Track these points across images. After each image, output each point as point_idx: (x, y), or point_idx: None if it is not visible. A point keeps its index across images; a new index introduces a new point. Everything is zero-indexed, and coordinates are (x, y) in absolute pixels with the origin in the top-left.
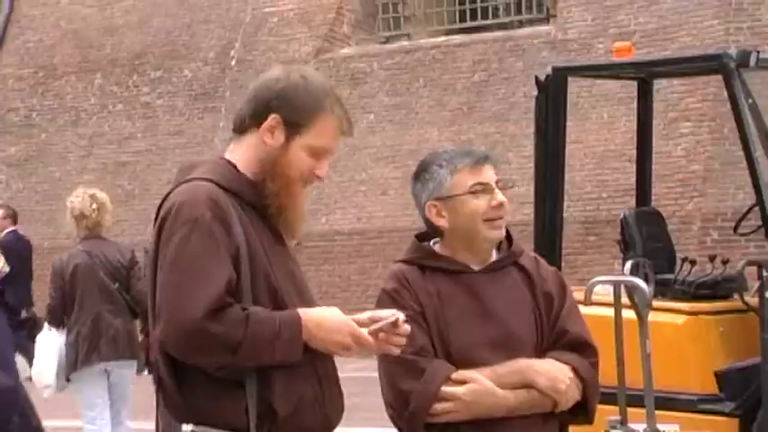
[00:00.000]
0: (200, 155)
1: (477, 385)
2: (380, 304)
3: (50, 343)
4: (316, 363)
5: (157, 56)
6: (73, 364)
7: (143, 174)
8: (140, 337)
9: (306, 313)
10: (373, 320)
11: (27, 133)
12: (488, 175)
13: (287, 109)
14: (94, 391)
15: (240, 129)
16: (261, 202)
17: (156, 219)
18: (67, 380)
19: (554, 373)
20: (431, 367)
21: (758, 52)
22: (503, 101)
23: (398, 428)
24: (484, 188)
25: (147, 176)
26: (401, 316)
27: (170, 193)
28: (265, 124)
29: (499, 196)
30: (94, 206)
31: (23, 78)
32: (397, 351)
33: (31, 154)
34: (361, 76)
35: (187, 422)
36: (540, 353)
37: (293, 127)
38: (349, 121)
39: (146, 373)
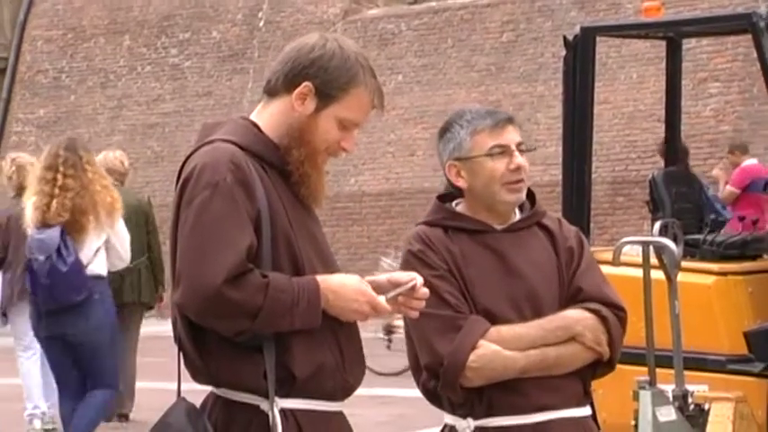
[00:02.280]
0: (229, 116)
1: (485, 351)
2: (407, 265)
3: None
4: (335, 328)
5: (185, 17)
6: (9, 299)
7: (171, 135)
8: None
9: (324, 281)
10: (392, 283)
11: (56, 95)
12: (509, 137)
13: (321, 79)
14: (27, 323)
15: (271, 91)
16: (284, 166)
17: (177, 180)
18: (4, 314)
19: (593, 326)
20: (467, 323)
21: None
22: (531, 61)
23: (430, 393)
24: (503, 150)
25: (176, 138)
26: (420, 280)
27: (192, 154)
28: (297, 91)
29: (518, 159)
30: (14, 168)
31: (52, 40)
32: (415, 314)
33: (60, 116)
34: (389, 37)
35: (207, 384)
36: (563, 309)
37: (325, 97)
38: (381, 95)
39: None
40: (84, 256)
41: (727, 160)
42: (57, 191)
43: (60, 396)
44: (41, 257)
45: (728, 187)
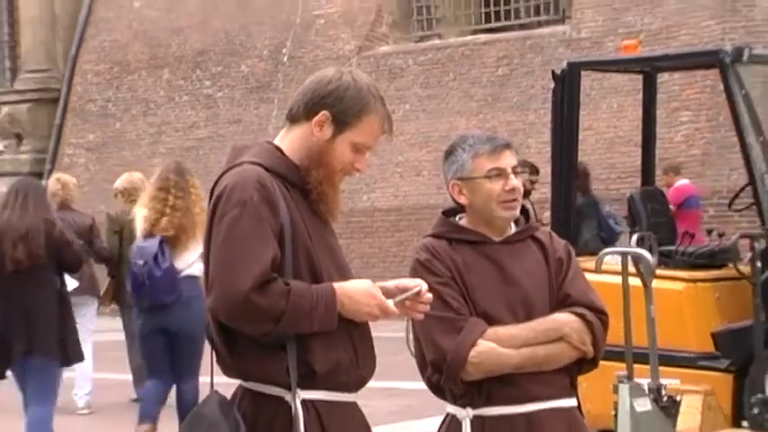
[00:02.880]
0: (255, 141)
1: (483, 348)
2: (415, 273)
3: None
4: (350, 329)
5: (218, 53)
6: None
7: (205, 157)
8: (107, 279)
9: (340, 287)
10: (400, 288)
11: (103, 122)
12: (505, 161)
13: (337, 108)
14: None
15: (293, 118)
16: (304, 185)
17: (210, 197)
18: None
19: (578, 329)
20: (467, 324)
21: (750, 48)
22: (523, 93)
23: (434, 386)
24: (500, 173)
25: (209, 160)
26: (424, 286)
27: (223, 174)
28: (316, 118)
29: (513, 181)
30: (59, 186)
31: (100, 73)
32: (420, 316)
33: (107, 140)
34: (397, 71)
35: (236, 378)
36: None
37: (341, 124)
38: (390, 122)
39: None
40: (182, 264)
41: (662, 181)
42: (167, 210)
43: (151, 383)
44: (140, 262)
45: None
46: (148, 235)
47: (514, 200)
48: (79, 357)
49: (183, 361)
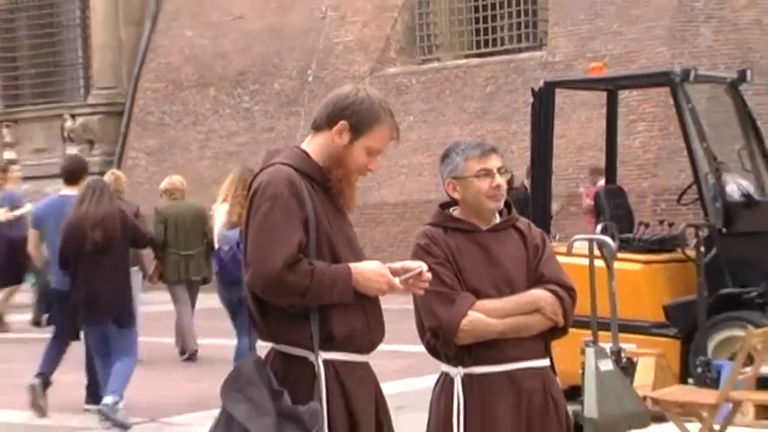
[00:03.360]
0: (286, 146)
1: (473, 321)
2: (416, 255)
3: None
4: (364, 302)
5: (255, 74)
6: None
7: (245, 160)
8: (154, 261)
9: (355, 267)
10: (404, 269)
11: (160, 131)
12: (492, 163)
13: (354, 118)
14: None
15: (317, 127)
16: (326, 183)
17: (248, 192)
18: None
19: (553, 302)
20: (461, 298)
21: (696, 70)
22: (507, 107)
23: (431, 348)
24: (487, 173)
25: (248, 162)
26: (425, 267)
27: (259, 173)
28: (336, 127)
29: (498, 179)
30: (113, 179)
31: (158, 90)
32: (421, 292)
33: (163, 146)
34: (403, 88)
35: (268, 342)
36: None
37: (357, 132)
38: (397, 130)
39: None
40: None
41: (588, 181)
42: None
43: (241, 341)
44: (226, 248)
45: (589, 201)
46: (232, 226)
47: (500, 194)
48: (134, 322)
49: (240, 325)
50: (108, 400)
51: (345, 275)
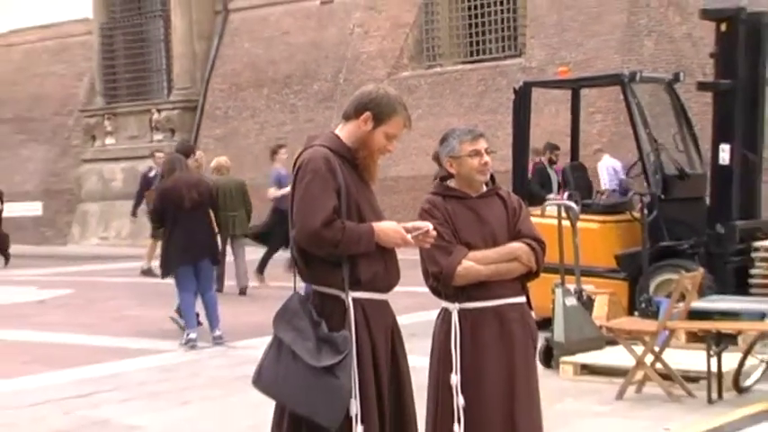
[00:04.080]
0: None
1: (465, 267)
2: (421, 217)
3: None
4: (383, 252)
5: (298, 76)
6: None
7: (291, 144)
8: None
9: (376, 225)
10: (415, 227)
11: (225, 122)
12: (480, 145)
13: (376, 110)
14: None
15: (346, 117)
16: (354, 160)
17: (294, 167)
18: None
19: (528, 253)
20: (456, 250)
21: (640, 72)
22: (494, 102)
23: (434, 289)
24: (477, 153)
25: (293, 146)
26: (431, 226)
27: (302, 152)
28: (362, 117)
29: (485, 158)
30: (197, 157)
31: (223, 90)
32: (428, 245)
33: (227, 134)
34: (413, 87)
35: (309, 283)
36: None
37: (378, 121)
38: (409, 120)
39: None
40: None
41: (536, 158)
42: None
43: None
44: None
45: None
46: None
47: (486, 169)
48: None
49: None
50: (219, 332)
51: (369, 232)
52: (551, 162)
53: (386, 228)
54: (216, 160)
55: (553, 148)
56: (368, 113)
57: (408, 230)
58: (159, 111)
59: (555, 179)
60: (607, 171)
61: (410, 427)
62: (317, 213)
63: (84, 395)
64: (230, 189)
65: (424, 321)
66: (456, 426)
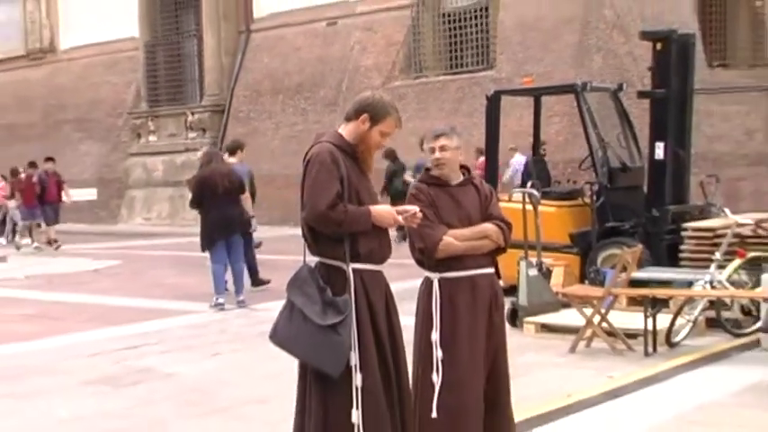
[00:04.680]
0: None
1: (446, 243)
2: (410, 201)
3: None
4: (378, 231)
5: (308, 85)
6: None
7: (302, 142)
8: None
9: (373, 208)
10: (404, 210)
11: (247, 123)
12: (438, 143)
13: (372, 112)
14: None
15: (347, 119)
16: (354, 155)
17: (304, 159)
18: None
19: (497, 232)
20: (438, 228)
21: (590, 83)
22: (470, 107)
23: (419, 261)
24: (432, 150)
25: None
26: (417, 209)
27: (311, 147)
28: (361, 118)
29: (437, 154)
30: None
31: (246, 96)
32: (415, 225)
33: (249, 132)
34: (403, 95)
35: (317, 256)
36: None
37: (374, 121)
38: (400, 120)
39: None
40: None
41: (474, 157)
42: None
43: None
44: None
45: (479, 171)
46: None
47: (439, 163)
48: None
49: None
50: (242, 297)
51: (366, 213)
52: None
53: (380, 210)
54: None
55: (541, 144)
56: (366, 115)
57: (399, 213)
58: (193, 113)
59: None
60: (514, 167)
61: (404, 370)
62: (324, 198)
63: (131, 347)
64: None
65: (410, 288)
66: (434, 375)
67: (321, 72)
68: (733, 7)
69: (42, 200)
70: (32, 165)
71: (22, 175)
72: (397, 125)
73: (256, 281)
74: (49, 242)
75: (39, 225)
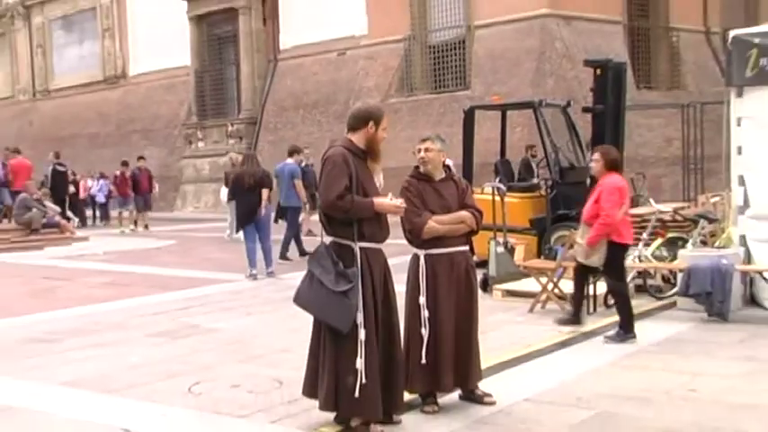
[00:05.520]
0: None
1: (429, 226)
2: (402, 193)
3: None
4: (380, 217)
5: (323, 102)
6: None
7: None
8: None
9: (375, 199)
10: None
11: (274, 132)
12: (423, 145)
13: (374, 118)
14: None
15: (354, 128)
16: (363, 156)
17: (321, 159)
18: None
19: (471, 218)
20: (424, 214)
21: (545, 100)
22: (451, 119)
23: (409, 240)
24: (419, 151)
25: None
26: (402, 201)
27: (327, 150)
28: (368, 125)
29: (421, 154)
30: (234, 158)
31: (274, 111)
32: (404, 213)
33: (276, 140)
34: (398, 109)
35: (331, 236)
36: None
37: (377, 124)
38: (388, 117)
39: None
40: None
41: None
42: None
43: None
44: None
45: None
46: None
47: (424, 162)
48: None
49: None
50: (271, 269)
51: (370, 203)
52: (533, 156)
53: (381, 201)
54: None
55: (530, 147)
56: (371, 122)
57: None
58: (232, 124)
59: (535, 168)
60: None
61: (396, 327)
62: (334, 190)
63: (183, 308)
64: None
65: (402, 262)
66: (423, 329)
67: (333, 92)
68: (655, 42)
69: (136, 191)
70: (125, 164)
71: (117, 172)
72: (388, 118)
73: (302, 252)
74: (135, 223)
75: (121, 213)
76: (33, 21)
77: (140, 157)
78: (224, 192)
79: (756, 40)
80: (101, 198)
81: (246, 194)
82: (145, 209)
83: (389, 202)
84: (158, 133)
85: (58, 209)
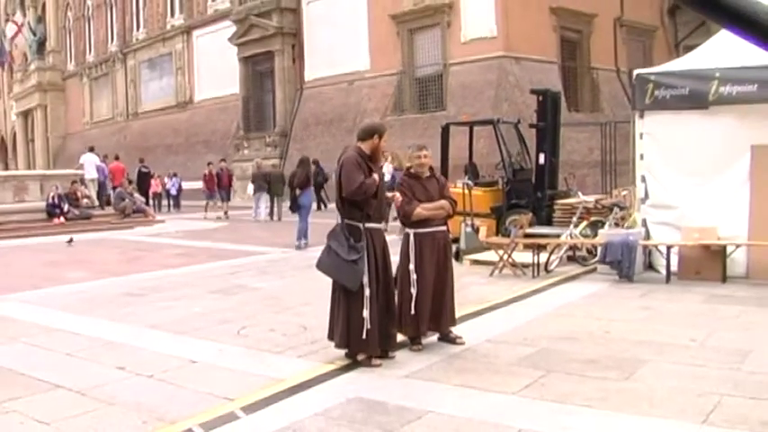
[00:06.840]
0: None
1: (417, 212)
2: (398, 187)
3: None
4: (380, 204)
5: (336, 120)
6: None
7: (332, 153)
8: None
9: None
10: (394, 196)
11: (300, 142)
12: (421, 153)
13: (378, 132)
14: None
15: (362, 139)
16: (369, 160)
17: (338, 162)
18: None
19: (448, 206)
20: (414, 203)
21: (502, 118)
22: (432, 133)
23: (402, 223)
24: (418, 157)
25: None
26: (398, 195)
27: (341, 155)
28: (374, 137)
29: (422, 159)
30: (258, 163)
31: (301, 127)
32: (399, 204)
33: (302, 149)
34: (392, 125)
35: (344, 218)
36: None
37: (380, 136)
38: (386, 129)
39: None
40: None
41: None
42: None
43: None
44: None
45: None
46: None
47: (423, 165)
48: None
49: None
50: (302, 242)
51: (373, 182)
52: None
53: (383, 190)
54: (261, 160)
55: (517, 154)
56: (376, 135)
57: (390, 198)
58: (269, 136)
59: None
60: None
61: (391, 287)
62: (354, 181)
63: (233, 273)
64: (277, 176)
65: (397, 239)
66: (412, 288)
67: (344, 112)
68: (581, 77)
69: (219, 186)
70: (210, 164)
71: (206, 171)
72: (387, 131)
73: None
74: (226, 213)
75: (207, 203)
76: (128, 63)
77: (222, 160)
78: (250, 187)
79: (652, 77)
80: (173, 191)
81: (293, 189)
82: (227, 199)
83: (389, 194)
84: (216, 144)
85: (143, 199)
